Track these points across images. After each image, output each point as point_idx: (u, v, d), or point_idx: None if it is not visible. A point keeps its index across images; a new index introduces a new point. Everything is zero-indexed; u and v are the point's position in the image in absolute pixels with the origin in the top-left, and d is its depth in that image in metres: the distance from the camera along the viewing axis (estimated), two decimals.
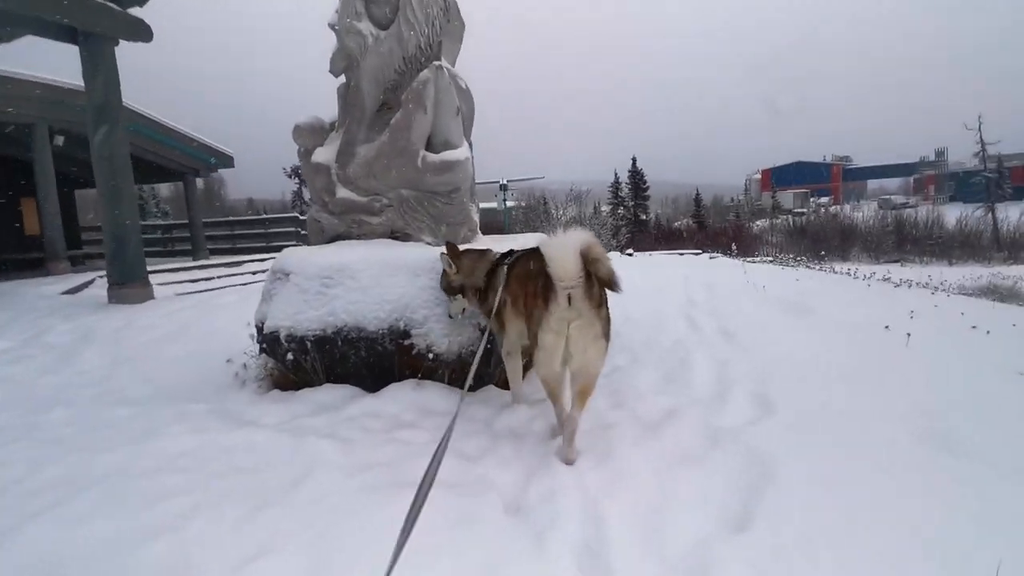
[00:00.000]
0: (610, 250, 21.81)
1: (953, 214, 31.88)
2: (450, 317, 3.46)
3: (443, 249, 3.35)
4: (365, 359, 3.58)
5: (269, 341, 3.74)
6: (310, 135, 4.18)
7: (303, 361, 3.63)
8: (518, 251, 3.13)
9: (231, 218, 24.27)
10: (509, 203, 35.30)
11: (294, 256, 3.90)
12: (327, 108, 4.41)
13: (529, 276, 2.71)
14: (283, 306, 3.74)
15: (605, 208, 38.58)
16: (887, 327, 4.76)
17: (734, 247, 20.90)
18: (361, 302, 3.61)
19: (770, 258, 19.30)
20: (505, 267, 3.05)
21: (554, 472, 2.46)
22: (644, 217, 44.11)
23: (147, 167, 15.46)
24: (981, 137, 35.06)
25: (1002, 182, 36.30)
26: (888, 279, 10.97)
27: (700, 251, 22.08)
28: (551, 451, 2.69)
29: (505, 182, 37.77)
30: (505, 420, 3.07)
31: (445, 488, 2.37)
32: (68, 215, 15.15)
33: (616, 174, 44.88)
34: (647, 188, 45.18)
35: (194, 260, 15.50)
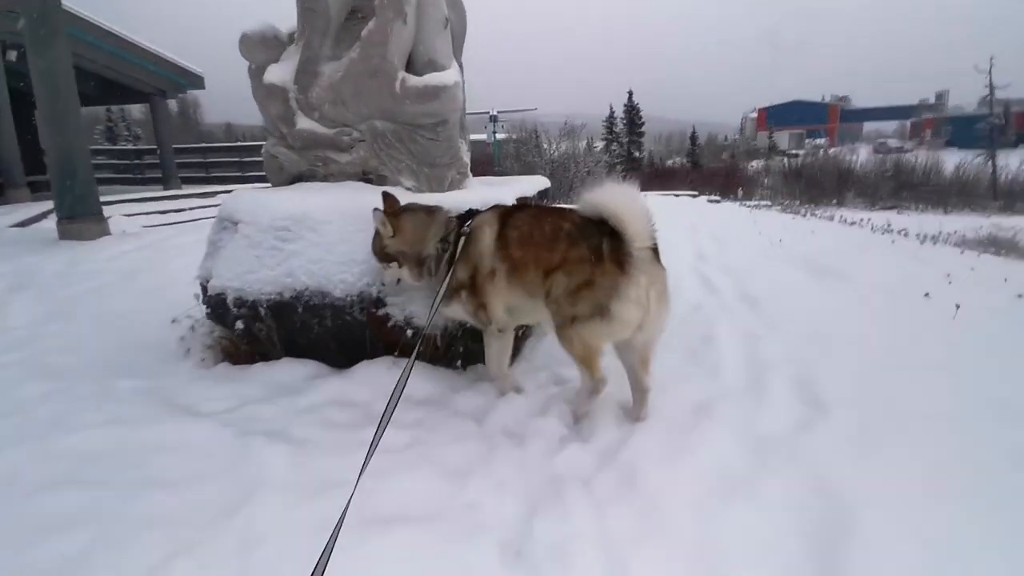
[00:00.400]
0: None
1: (951, 160, 31.14)
2: (383, 285, 2.84)
3: (380, 202, 2.70)
4: (331, 330, 2.95)
5: (215, 305, 3.08)
6: (261, 48, 3.35)
7: (256, 330, 2.99)
8: (482, 209, 2.69)
9: (204, 144, 22.87)
10: (499, 135, 33.84)
11: (244, 200, 3.18)
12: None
13: (559, 237, 2.36)
14: (231, 263, 3.05)
15: (598, 144, 37.19)
16: (927, 295, 4.20)
17: (740, 191, 20.08)
18: (325, 261, 2.93)
19: (768, 202, 18.65)
20: (465, 234, 2.55)
21: (566, 502, 1.90)
22: (638, 155, 42.79)
23: (108, 86, 14.12)
24: (991, 80, 33.77)
25: (1007, 128, 35.38)
26: (890, 228, 10.43)
27: (696, 193, 21.31)
28: (561, 463, 2.13)
29: (496, 113, 36.09)
30: (500, 416, 2.49)
31: (425, 523, 1.81)
32: (27, 138, 13.90)
33: (611, 108, 43.08)
34: (642, 124, 43.56)
35: (164, 189, 14.48)
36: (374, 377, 2.77)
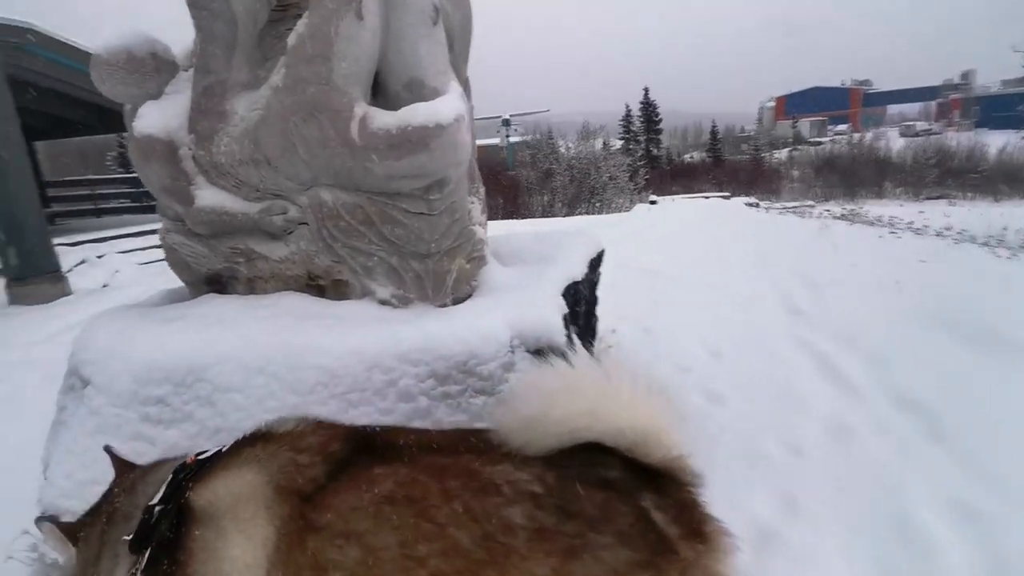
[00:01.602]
0: (629, 196, 19.46)
1: (987, 142, 28.90)
2: None
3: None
4: None
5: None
6: (126, 75, 1.96)
7: None
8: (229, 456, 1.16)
9: None
10: (513, 138, 32.52)
11: (99, 338, 1.82)
12: None
13: (511, 531, 0.99)
14: (70, 461, 1.70)
15: (616, 143, 35.54)
16: None
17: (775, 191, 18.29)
18: None
19: (811, 201, 16.93)
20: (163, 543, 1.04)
21: None
22: (656, 152, 40.98)
23: (101, 112, 13.02)
24: None
25: None
26: (950, 228, 8.76)
27: (727, 194, 19.63)
28: None
29: (508, 117, 34.77)
30: None
31: None
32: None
33: (628, 107, 41.28)
34: (659, 120, 41.68)
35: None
36: None
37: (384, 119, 1.78)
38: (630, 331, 3.91)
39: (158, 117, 1.94)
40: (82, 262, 8.94)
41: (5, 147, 5.96)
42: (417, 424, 1.57)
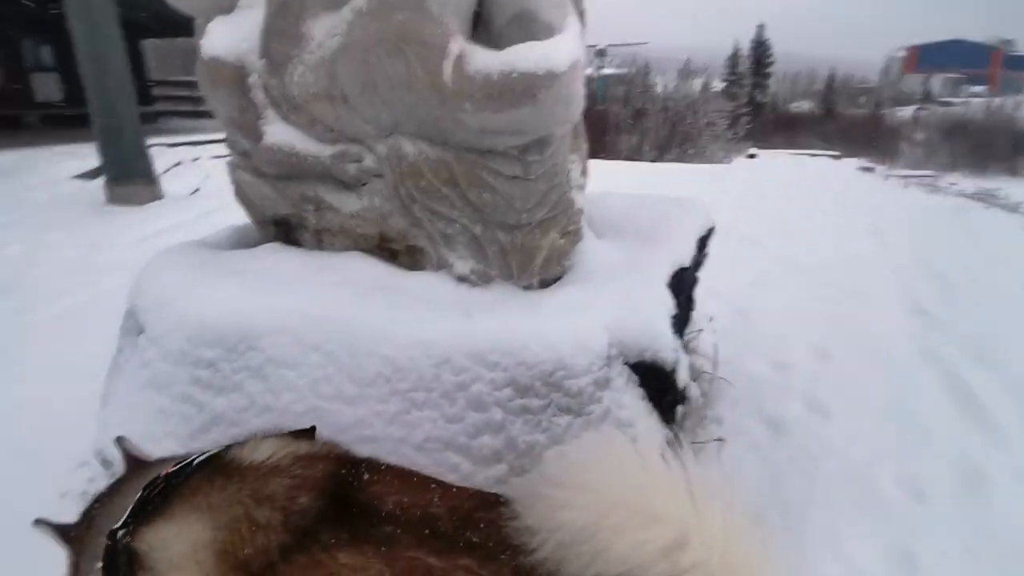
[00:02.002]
0: (725, 146, 18.00)
1: None
2: None
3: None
4: None
5: None
6: None
7: None
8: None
9: None
10: (606, 70, 30.75)
11: (153, 287, 1.67)
12: None
13: None
14: (124, 413, 1.59)
15: (718, 85, 32.84)
16: None
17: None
18: None
19: (930, 173, 15.03)
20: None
21: None
22: (762, 99, 37.66)
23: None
24: None
25: None
26: None
27: (837, 154, 17.81)
28: None
29: (604, 47, 32.70)
30: None
31: None
32: (133, 66, 13.32)
33: (736, 45, 37.68)
34: (771, 63, 37.96)
35: None
36: None
37: (484, 60, 1.44)
38: (725, 313, 3.50)
39: (228, 37, 1.68)
40: (178, 164, 9.21)
41: (104, 45, 5.98)
42: (485, 440, 1.32)
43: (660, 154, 16.38)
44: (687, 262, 2.11)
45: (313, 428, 1.08)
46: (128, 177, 6.37)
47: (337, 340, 1.41)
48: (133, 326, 1.68)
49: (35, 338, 3.22)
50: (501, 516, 0.81)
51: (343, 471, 0.92)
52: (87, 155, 7.86)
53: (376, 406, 1.34)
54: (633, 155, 16.24)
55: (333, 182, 1.76)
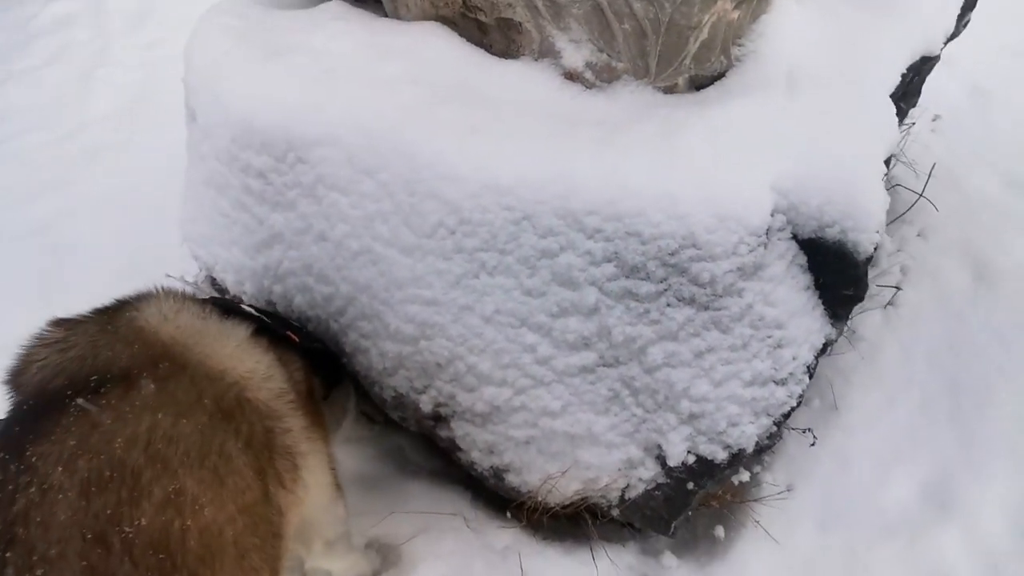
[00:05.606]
0: None
1: None
2: None
3: None
4: None
5: (219, 290, 1.63)
6: None
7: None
8: None
9: None
10: None
11: (198, 63, 1.33)
12: None
13: None
14: (197, 208, 1.45)
15: None
16: None
17: None
18: (348, 269, 1.19)
19: None
20: None
21: None
22: None
23: None
24: None
25: None
26: None
27: None
28: None
29: None
30: None
31: None
32: None
33: None
34: None
35: None
36: None
37: None
38: (954, 94, 2.50)
39: None
40: None
41: None
42: (571, 324, 0.99)
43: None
44: (935, 49, 1.31)
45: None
46: None
47: (393, 168, 1.05)
48: (189, 107, 1.43)
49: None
50: None
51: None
52: None
53: (437, 263, 1.03)
54: None
55: None
